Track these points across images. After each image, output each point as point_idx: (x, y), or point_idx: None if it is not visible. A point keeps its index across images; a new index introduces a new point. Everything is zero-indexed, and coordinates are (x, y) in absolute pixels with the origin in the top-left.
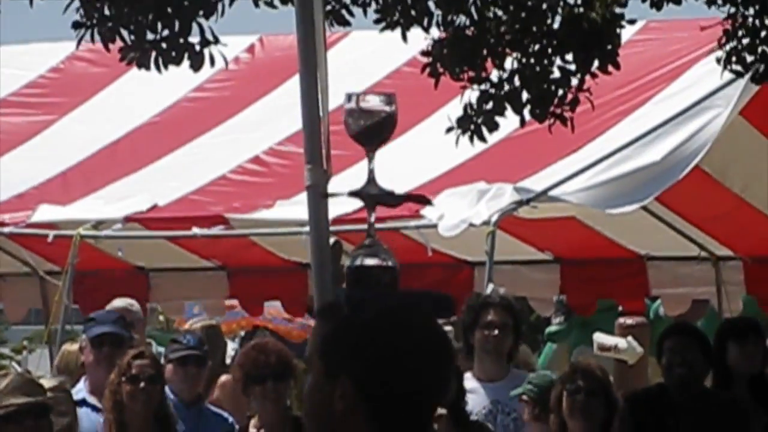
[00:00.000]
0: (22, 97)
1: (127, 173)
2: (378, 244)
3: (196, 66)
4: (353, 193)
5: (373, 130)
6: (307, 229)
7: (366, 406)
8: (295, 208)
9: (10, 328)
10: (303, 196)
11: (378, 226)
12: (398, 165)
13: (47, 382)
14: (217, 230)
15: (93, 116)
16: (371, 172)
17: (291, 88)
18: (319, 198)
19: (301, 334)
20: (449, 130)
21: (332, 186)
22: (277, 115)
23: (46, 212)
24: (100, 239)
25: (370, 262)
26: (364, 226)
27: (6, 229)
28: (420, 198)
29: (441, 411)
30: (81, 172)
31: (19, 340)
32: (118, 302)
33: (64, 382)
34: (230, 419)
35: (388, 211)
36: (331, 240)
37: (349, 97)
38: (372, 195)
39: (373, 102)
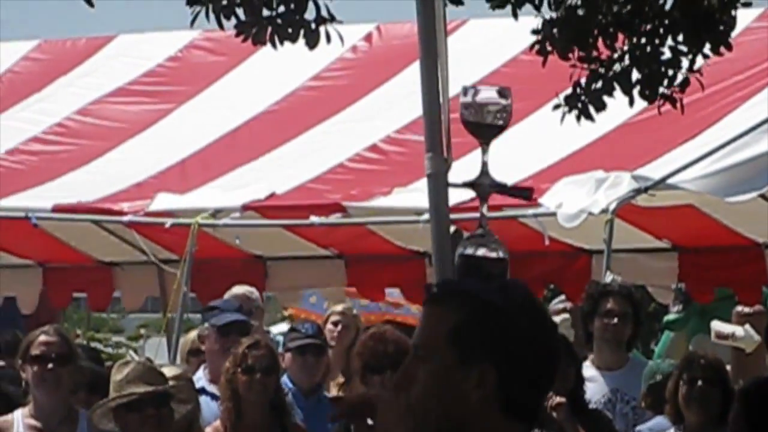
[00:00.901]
0: (141, 86)
1: (245, 162)
2: (489, 234)
3: (312, 43)
4: (467, 184)
5: (488, 123)
6: (424, 217)
7: (502, 395)
8: (413, 195)
9: (127, 317)
10: (420, 184)
11: (495, 214)
12: (515, 153)
13: (169, 371)
14: (334, 218)
15: (211, 105)
16: (485, 164)
17: (408, 77)
18: (440, 186)
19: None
20: (556, 107)
21: (451, 174)
22: (395, 104)
23: (164, 201)
24: (218, 228)
25: (482, 252)
26: (488, 214)
27: (125, 218)
28: (525, 191)
29: (561, 399)
30: (199, 160)
31: (135, 328)
32: (238, 289)
33: (187, 371)
34: None
35: (505, 200)
36: (452, 228)
37: (465, 90)
38: (484, 186)
39: (489, 95)
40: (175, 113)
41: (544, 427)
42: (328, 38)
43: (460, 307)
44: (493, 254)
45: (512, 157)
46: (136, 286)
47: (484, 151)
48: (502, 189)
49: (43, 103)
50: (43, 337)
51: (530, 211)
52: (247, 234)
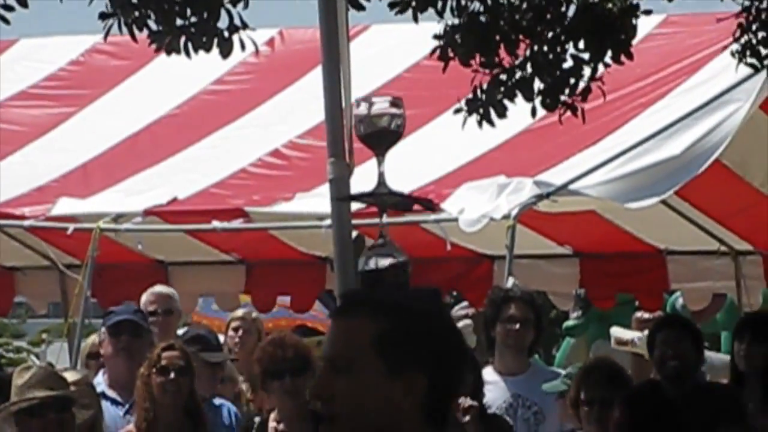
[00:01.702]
0: (42, 90)
1: (147, 166)
2: (390, 244)
3: (225, 52)
4: (365, 196)
5: (382, 134)
6: (326, 222)
7: (427, 402)
8: (315, 200)
9: (28, 322)
10: (322, 189)
11: (397, 219)
12: (417, 158)
13: (70, 376)
14: (236, 223)
15: (113, 109)
16: (381, 174)
17: (311, 82)
18: (342, 191)
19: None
20: (457, 111)
21: (353, 180)
22: (297, 109)
23: (65, 205)
24: (120, 232)
25: (385, 262)
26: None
27: (26, 222)
28: (427, 202)
29: (472, 402)
30: (101, 164)
31: (37, 333)
32: (159, 288)
33: (87, 375)
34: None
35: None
36: (354, 233)
37: (358, 102)
38: (383, 198)
39: (382, 106)
40: (77, 117)
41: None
42: (243, 46)
43: (379, 316)
44: (396, 261)
45: (414, 162)
46: (38, 291)
47: (380, 162)
48: (401, 203)
49: None
50: None
51: (432, 217)
52: (149, 239)
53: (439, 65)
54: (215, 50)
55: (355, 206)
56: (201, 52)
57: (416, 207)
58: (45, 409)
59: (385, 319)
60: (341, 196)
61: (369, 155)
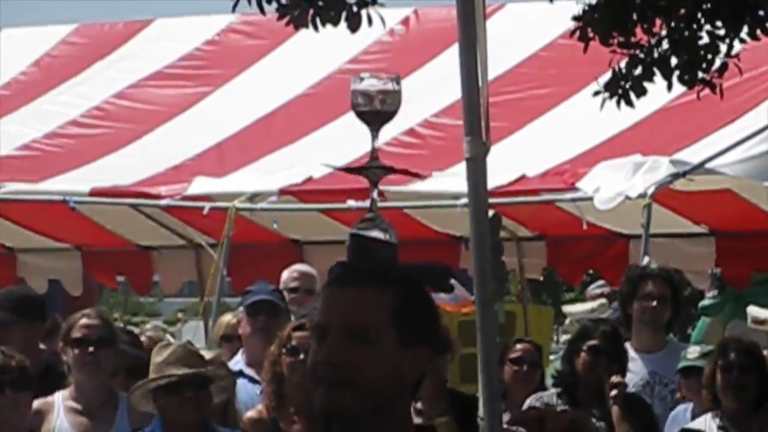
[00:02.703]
0: (178, 70)
1: (282, 145)
2: (379, 218)
3: (354, 26)
4: (354, 170)
5: (378, 110)
6: (461, 201)
7: (424, 375)
8: (450, 179)
9: (164, 301)
10: (457, 168)
11: (533, 198)
12: (553, 138)
13: (205, 355)
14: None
15: (248, 88)
16: (374, 150)
17: (446, 61)
18: (479, 170)
19: (454, 308)
20: (596, 93)
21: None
22: (433, 88)
23: (201, 185)
24: (255, 212)
25: (372, 234)
26: (521, 199)
27: (162, 202)
28: (412, 173)
29: (620, 378)
30: (236, 144)
31: (173, 312)
32: (299, 266)
33: (221, 355)
34: None
35: (542, 184)
36: (490, 212)
37: (354, 78)
38: (373, 171)
39: (376, 82)
40: (212, 96)
41: (597, 406)
42: (370, 21)
43: (395, 287)
44: (385, 237)
45: (549, 141)
46: (174, 270)
47: (374, 138)
48: (391, 171)
49: (81, 87)
50: (84, 320)
51: (568, 196)
52: (284, 218)
53: (574, 44)
54: (343, 25)
55: (491, 185)
56: (332, 31)
57: (552, 186)
58: (182, 386)
59: (401, 291)
60: (477, 175)
61: (504, 133)
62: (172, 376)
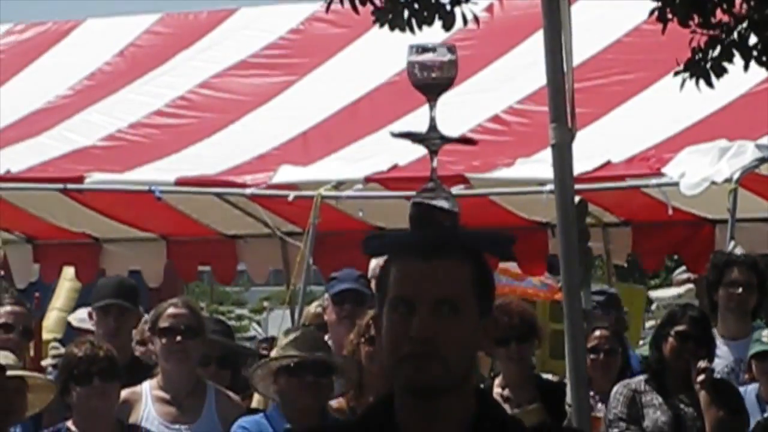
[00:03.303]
0: (263, 59)
1: (367, 133)
2: (440, 188)
3: (448, 25)
4: (415, 139)
5: (434, 80)
6: (547, 187)
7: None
8: (535, 166)
9: (250, 290)
10: (542, 155)
11: (618, 184)
12: (638, 123)
13: None
14: (456, 190)
15: (333, 76)
16: (433, 119)
17: (529, 48)
18: (565, 156)
19: (546, 295)
20: (676, 73)
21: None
22: (517, 74)
23: (287, 173)
24: (341, 200)
25: (436, 203)
26: (607, 185)
27: (248, 191)
28: (471, 141)
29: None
30: (321, 132)
31: (258, 300)
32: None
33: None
34: None
35: (628, 170)
36: (576, 199)
37: (410, 48)
38: (432, 140)
39: (432, 53)
40: (297, 85)
41: (685, 392)
42: (465, 20)
43: (472, 258)
44: (447, 205)
45: (635, 126)
46: (259, 259)
47: (432, 107)
48: (450, 140)
49: (166, 77)
50: (171, 310)
51: (653, 181)
52: (370, 206)
53: (658, 29)
54: (443, 26)
55: (577, 171)
56: None
57: (637, 171)
58: (303, 369)
59: (476, 261)
60: (563, 161)
61: (589, 119)
62: (293, 357)
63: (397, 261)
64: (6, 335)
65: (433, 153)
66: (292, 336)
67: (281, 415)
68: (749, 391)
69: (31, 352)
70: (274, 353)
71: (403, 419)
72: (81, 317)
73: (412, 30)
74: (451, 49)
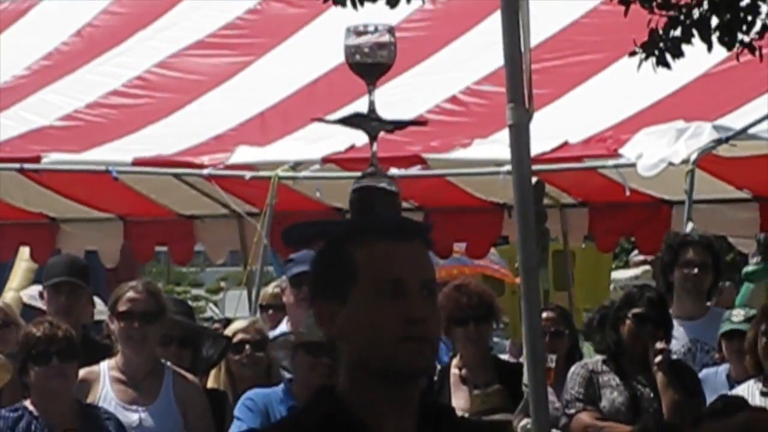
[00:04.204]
0: (220, 39)
1: (325, 114)
2: (380, 172)
3: (392, 3)
4: (352, 122)
5: (373, 63)
6: (503, 168)
7: None
8: (493, 147)
9: (206, 270)
10: (500, 135)
11: (575, 165)
12: (595, 104)
13: (242, 323)
14: (414, 170)
15: (290, 57)
16: (372, 103)
17: (488, 28)
18: (522, 137)
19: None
20: (632, 54)
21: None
22: (474, 55)
23: (244, 154)
24: (298, 180)
25: (376, 184)
26: (563, 165)
27: (205, 171)
28: (418, 122)
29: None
30: (279, 113)
31: (215, 281)
32: None
33: (257, 321)
34: None
35: (585, 151)
36: (533, 179)
37: (348, 30)
38: (372, 125)
39: (370, 35)
40: (254, 65)
41: (642, 374)
42: None
43: (427, 243)
44: (389, 188)
45: (591, 107)
46: (217, 240)
47: (370, 92)
48: (393, 124)
49: (123, 57)
50: (130, 293)
51: (610, 162)
52: (327, 186)
53: (616, 9)
54: (387, 3)
55: (534, 152)
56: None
57: (595, 152)
58: (321, 350)
59: (429, 245)
60: (521, 142)
61: (546, 100)
62: (314, 335)
63: (375, 243)
64: None
65: (372, 138)
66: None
67: (289, 391)
68: (720, 372)
69: None
70: (300, 328)
71: (364, 410)
72: (32, 294)
73: (354, 6)
74: (390, 31)
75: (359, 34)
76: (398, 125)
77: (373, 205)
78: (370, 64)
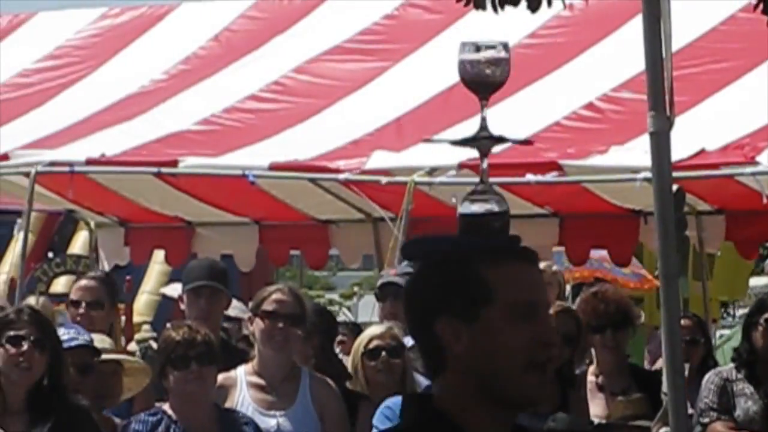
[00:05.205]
0: (357, 44)
1: (461, 119)
2: (490, 190)
3: (534, 6)
4: (466, 141)
5: (486, 79)
6: (641, 175)
7: None
8: (629, 154)
9: (338, 274)
10: (637, 142)
11: (712, 173)
12: (733, 111)
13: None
14: (550, 177)
15: (427, 62)
16: (484, 119)
17: (624, 35)
18: (663, 145)
19: (636, 284)
20: None
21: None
22: (611, 62)
23: (380, 159)
24: (434, 186)
25: (484, 208)
26: (701, 173)
27: (341, 176)
28: (525, 141)
29: None
30: (415, 118)
31: (348, 285)
32: None
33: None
34: None
35: (721, 158)
36: (674, 187)
37: (463, 45)
38: (483, 141)
39: (486, 50)
40: (391, 71)
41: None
42: (549, 2)
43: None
44: (495, 208)
45: (729, 114)
46: (351, 244)
47: (483, 107)
48: (501, 140)
49: (260, 62)
50: (277, 295)
51: (748, 170)
52: (463, 192)
53: (755, 17)
54: (524, 4)
55: (673, 159)
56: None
57: (732, 160)
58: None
59: None
60: (661, 149)
61: (684, 107)
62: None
63: (509, 264)
64: (76, 310)
65: (482, 155)
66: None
67: None
68: None
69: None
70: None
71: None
72: (175, 288)
73: (495, 9)
74: (506, 47)
75: (474, 49)
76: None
77: (481, 230)
78: (483, 80)
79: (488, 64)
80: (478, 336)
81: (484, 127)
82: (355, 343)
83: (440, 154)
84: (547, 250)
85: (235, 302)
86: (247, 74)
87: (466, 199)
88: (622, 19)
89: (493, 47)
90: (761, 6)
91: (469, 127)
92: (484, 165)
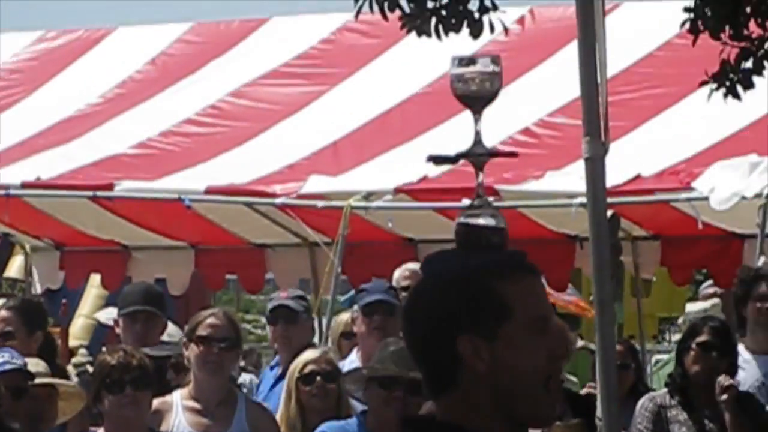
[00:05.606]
0: (294, 68)
1: (398, 144)
2: (487, 204)
3: (476, 33)
4: (461, 155)
5: (479, 92)
6: (576, 200)
7: None
8: (565, 179)
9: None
10: (573, 167)
11: (647, 198)
12: (668, 137)
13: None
14: None
15: (364, 87)
16: (478, 133)
17: (561, 60)
18: (597, 170)
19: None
20: (703, 83)
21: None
22: (547, 87)
23: (316, 183)
24: (371, 210)
25: (482, 221)
26: (636, 198)
27: (277, 200)
28: (510, 154)
29: (731, 381)
30: (351, 142)
31: None
32: (411, 265)
33: (329, 352)
34: None
35: (657, 184)
36: (609, 213)
37: (453, 60)
38: (478, 156)
39: (477, 64)
40: (328, 95)
41: (710, 407)
42: (492, 28)
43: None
44: (494, 223)
45: (665, 140)
46: (288, 268)
47: (476, 121)
48: (495, 154)
49: (197, 85)
50: (211, 320)
51: (683, 195)
52: (399, 216)
53: (690, 43)
54: (465, 31)
55: (607, 184)
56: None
57: (668, 185)
58: (395, 385)
59: None
60: (596, 175)
61: (620, 133)
62: (388, 370)
63: (523, 278)
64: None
65: (478, 168)
66: (391, 348)
67: (363, 425)
68: None
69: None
70: (372, 362)
71: None
72: (110, 313)
73: (438, 36)
74: (495, 61)
75: (464, 63)
76: (503, 156)
77: (478, 242)
78: (475, 94)
79: (480, 77)
80: (500, 353)
81: (478, 141)
82: (290, 367)
83: (376, 178)
84: None
85: (171, 326)
86: (183, 98)
87: (466, 214)
88: (558, 44)
89: (482, 60)
90: (688, 24)
91: (406, 151)
92: (480, 179)
